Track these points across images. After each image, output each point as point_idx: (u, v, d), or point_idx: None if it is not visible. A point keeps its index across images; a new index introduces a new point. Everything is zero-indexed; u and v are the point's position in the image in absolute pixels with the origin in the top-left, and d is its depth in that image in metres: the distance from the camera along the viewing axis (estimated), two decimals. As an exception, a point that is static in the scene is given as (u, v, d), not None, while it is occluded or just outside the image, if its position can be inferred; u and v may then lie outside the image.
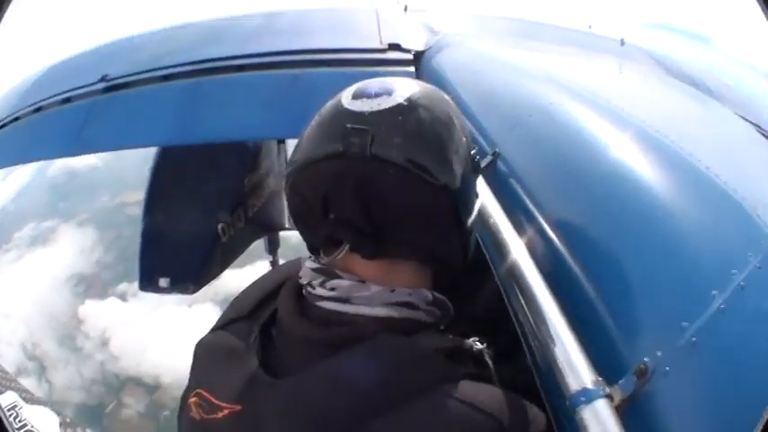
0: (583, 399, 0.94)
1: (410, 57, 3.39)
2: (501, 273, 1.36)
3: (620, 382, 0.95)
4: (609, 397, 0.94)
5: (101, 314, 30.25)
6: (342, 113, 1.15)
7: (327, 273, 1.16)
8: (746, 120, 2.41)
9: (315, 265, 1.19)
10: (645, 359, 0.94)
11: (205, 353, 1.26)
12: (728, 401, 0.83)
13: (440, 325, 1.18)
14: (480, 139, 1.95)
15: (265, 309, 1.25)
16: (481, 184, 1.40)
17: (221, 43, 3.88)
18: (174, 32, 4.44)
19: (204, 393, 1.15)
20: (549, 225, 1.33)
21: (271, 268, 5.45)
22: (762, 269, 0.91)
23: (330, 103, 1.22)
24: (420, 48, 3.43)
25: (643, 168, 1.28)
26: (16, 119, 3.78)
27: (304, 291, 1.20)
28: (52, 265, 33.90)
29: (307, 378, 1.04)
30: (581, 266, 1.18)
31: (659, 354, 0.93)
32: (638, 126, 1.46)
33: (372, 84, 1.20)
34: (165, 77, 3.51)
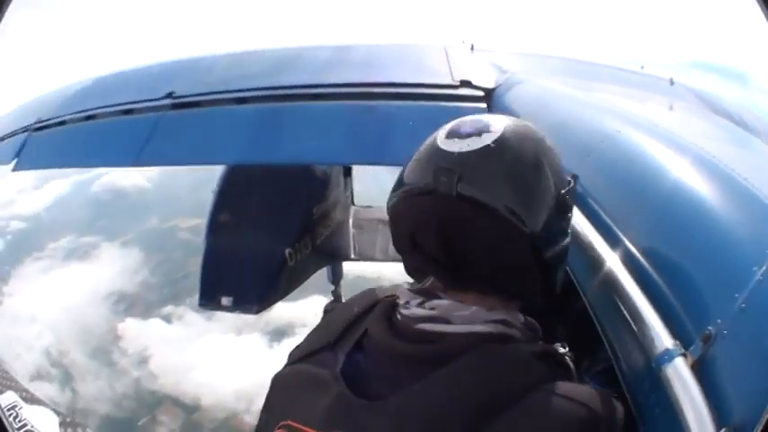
0: (666, 357, 1.15)
1: (481, 93, 3.55)
2: (591, 279, 1.56)
3: (690, 348, 1.15)
4: (684, 356, 1.14)
5: (142, 333, 30.06)
6: (435, 151, 1.22)
7: (427, 293, 1.23)
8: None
9: (415, 287, 1.26)
10: (708, 327, 1.13)
11: (288, 384, 1.31)
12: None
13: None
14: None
15: (350, 337, 1.29)
16: None
17: (295, 72, 4.07)
18: (243, 58, 4.61)
19: (294, 424, 1.18)
20: (625, 233, 1.55)
21: (333, 299, 5.61)
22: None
23: (428, 139, 1.28)
24: (490, 85, 3.60)
25: (698, 184, 1.52)
26: (62, 122, 3.93)
27: (397, 313, 1.26)
28: (90, 280, 33.68)
29: (418, 392, 1.09)
30: (652, 263, 1.41)
31: (719, 321, 1.12)
32: (693, 150, 1.71)
33: (466, 122, 1.27)
34: (239, 100, 3.69)
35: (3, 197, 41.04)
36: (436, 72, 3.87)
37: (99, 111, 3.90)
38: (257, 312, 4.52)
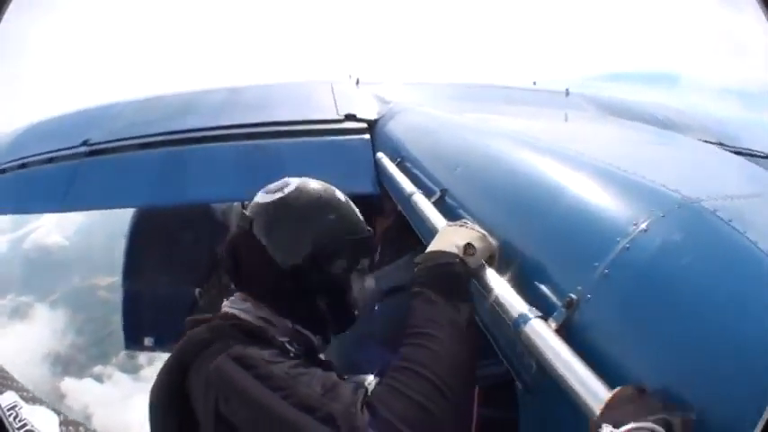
0: (521, 321, 1.24)
1: (364, 125, 3.76)
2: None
3: (553, 314, 1.23)
4: (542, 318, 1.22)
5: (80, 392, 29.84)
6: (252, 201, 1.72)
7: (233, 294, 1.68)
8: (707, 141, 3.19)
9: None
10: (570, 294, 1.22)
11: None
12: (645, 315, 1.08)
13: (292, 343, 1.56)
14: (428, 183, 2.40)
15: None
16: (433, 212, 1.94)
17: (192, 115, 4.20)
18: (147, 104, 4.73)
19: None
20: (491, 229, 1.63)
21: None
22: (653, 225, 1.19)
23: None
24: (373, 117, 3.80)
25: (558, 175, 1.65)
26: (3, 171, 4.03)
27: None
28: (30, 339, 33.31)
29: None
30: (516, 250, 1.53)
31: (579, 288, 1.21)
32: (556, 149, 1.87)
33: (279, 182, 1.72)
34: (144, 145, 3.84)
35: None
36: (322, 107, 4.07)
37: (30, 159, 4.03)
38: None
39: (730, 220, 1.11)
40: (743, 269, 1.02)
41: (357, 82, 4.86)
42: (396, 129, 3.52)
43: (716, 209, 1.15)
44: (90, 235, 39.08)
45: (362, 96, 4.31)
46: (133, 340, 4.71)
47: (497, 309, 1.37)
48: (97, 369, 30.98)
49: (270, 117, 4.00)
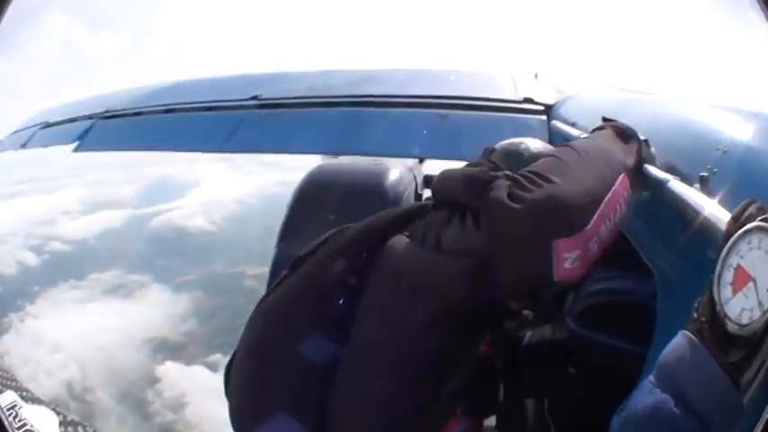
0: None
1: (541, 108, 4.00)
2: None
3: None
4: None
5: (182, 378, 27.14)
6: None
7: None
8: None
9: None
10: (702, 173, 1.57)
11: None
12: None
13: None
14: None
15: None
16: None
17: (376, 85, 4.52)
18: (326, 74, 5.08)
19: None
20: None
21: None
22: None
23: None
24: (550, 102, 4.05)
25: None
26: (138, 113, 4.39)
27: None
28: (129, 321, 30.83)
29: None
30: None
31: (709, 166, 1.57)
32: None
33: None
34: (324, 104, 4.15)
35: (43, 215, 40.44)
36: (502, 90, 4.33)
37: (179, 106, 4.35)
38: None
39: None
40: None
41: (536, 75, 5.08)
42: (571, 111, 3.70)
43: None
44: (244, 224, 37.43)
45: (540, 86, 4.54)
46: None
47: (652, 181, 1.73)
48: (215, 357, 27.74)
49: (452, 92, 4.27)
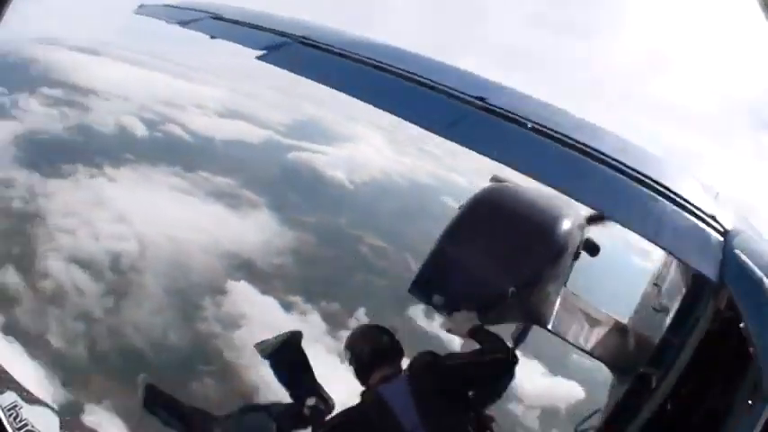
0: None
1: (721, 230, 3.96)
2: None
3: None
4: None
5: (249, 303, 26.19)
6: None
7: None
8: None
9: None
10: None
11: None
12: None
13: None
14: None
15: None
16: None
17: (595, 139, 4.52)
18: (556, 112, 5.14)
19: None
20: None
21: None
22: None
23: None
24: (728, 227, 4.02)
25: None
26: (343, 55, 4.54)
27: None
28: (218, 229, 30.64)
29: None
30: None
31: None
32: None
33: None
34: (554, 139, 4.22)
35: (172, 97, 40.88)
36: (686, 191, 4.25)
37: (392, 68, 4.46)
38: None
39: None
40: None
41: (717, 195, 4.95)
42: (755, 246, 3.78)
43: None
44: (383, 195, 37.13)
45: (721, 207, 4.44)
46: (421, 289, 4.52)
47: None
48: (294, 299, 27.05)
49: (648, 172, 4.27)
